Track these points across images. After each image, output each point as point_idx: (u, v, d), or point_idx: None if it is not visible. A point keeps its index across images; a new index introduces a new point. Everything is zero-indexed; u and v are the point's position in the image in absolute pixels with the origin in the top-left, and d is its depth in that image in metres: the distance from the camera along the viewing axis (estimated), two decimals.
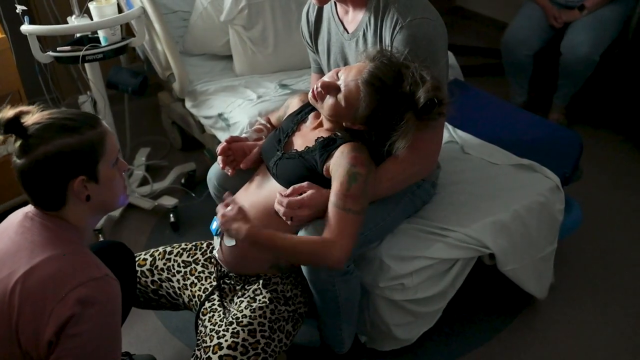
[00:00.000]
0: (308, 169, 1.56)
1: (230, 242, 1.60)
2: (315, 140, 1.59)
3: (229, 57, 2.80)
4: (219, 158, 1.73)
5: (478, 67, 3.77)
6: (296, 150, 1.63)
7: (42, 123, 1.21)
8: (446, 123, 2.17)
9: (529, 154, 2.02)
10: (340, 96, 1.49)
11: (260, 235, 1.45)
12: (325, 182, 1.55)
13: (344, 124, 1.55)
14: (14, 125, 1.19)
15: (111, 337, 1.24)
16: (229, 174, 1.73)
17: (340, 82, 1.50)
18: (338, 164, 1.49)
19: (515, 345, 1.95)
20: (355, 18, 1.62)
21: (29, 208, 1.30)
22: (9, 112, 1.20)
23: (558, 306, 2.09)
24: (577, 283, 2.19)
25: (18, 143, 1.20)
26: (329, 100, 1.52)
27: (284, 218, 1.53)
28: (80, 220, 1.29)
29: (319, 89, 1.52)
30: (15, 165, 1.21)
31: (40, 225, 1.26)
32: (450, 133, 2.17)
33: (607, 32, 2.86)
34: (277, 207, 1.53)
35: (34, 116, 1.23)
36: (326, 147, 1.55)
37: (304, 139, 1.64)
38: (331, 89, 1.51)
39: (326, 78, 1.54)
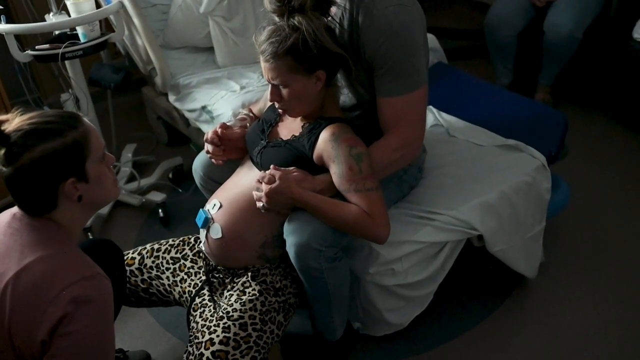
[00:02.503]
0: (295, 157, 1.56)
1: (216, 235, 1.60)
2: (302, 127, 1.59)
3: (211, 49, 2.78)
4: (209, 146, 1.71)
5: (462, 49, 3.77)
6: (282, 138, 1.63)
7: (24, 130, 1.19)
8: (431, 106, 2.17)
9: (514, 134, 2.02)
10: (278, 85, 1.49)
11: (306, 199, 1.50)
12: (313, 170, 1.55)
13: (319, 91, 1.54)
14: None
15: (104, 335, 1.23)
16: (217, 163, 1.72)
17: (272, 81, 1.51)
18: (335, 149, 1.48)
19: (507, 325, 1.96)
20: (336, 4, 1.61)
21: (16, 209, 1.28)
22: None
23: (549, 285, 2.10)
24: (567, 261, 2.20)
25: (1, 152, 1.19)
26: (286, 100, 1.52)
27: (260, 203, 1.52)
28: (70, 221, 1.28)
29: (277, 107, 1.57)
30: (2, 173, 1.20)
31: (28, 226, 1.25)
32: (435, 116, 2.17)
33: (589, 10, 2.86)
34: (254, 190, 1.53)
35: (13, 123, 1.21)
36: (312, 130, 1.55)
37: (288, 129, 1.64)
38: (276, 95, 1.52)
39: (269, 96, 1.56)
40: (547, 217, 1.98)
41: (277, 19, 1.46)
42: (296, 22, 1.42)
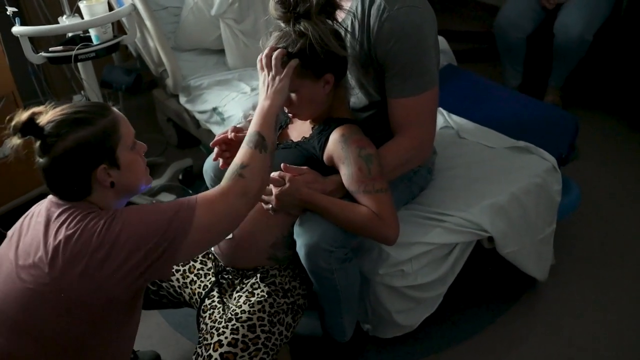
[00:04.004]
0: (305, 158, 1.57)
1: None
2: (312, 129, 1.59)
3: (222, 51, 2.80)
4: (216, 150, 1.72)
5: (471, 51, 3.76)
6: (292, 140, 1.63)
7: (56, 120, 1.24)
8: (441, 108, 2.17)
9: (524, 136, 2.02)
10: (288, 91, 1.49)
11: (316, 201, 1.51)
12: (324, 171, 1.56)
13: (327, 93, 1.54)
14: (29, 127, 1.23)
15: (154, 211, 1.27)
16: (221, 166, 1.73)
17: None
18: (344, 150, 1.49)
19: (518, 328, 1.96)
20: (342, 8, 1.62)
21: (53, 196, 1.32)
22: (23, 115, 1.23)
23: (559, 287, 2.09)
24: (578, 263, 2.19)
25: (37, 144, 1.24)
26: (295, 105, 1.53)
27: (269, 205, 1.53)
28: (106, 205, 1.32)
29: (287, 111, 1.57)
30: (39, 164, 1.25)
31: (66, 207, 1.28)
32: (445, 118, 2.17)
33: (599, 12, 2.85)
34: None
35: (47, 115, 1.26)
36: (322, 131, 1.55)
37: (298, 131, 1.65)
38: (286, 100, 1.51)
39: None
40: (558, 219, 1.98)
41: (283, 25, 1.47)
42: (302, 28, 1.43)
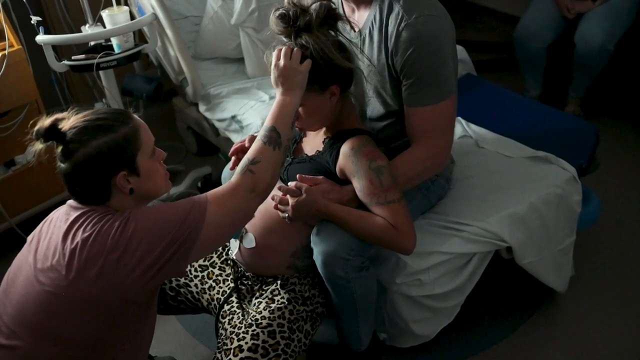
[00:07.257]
0: (320, 172, 1.57)
1: (249, 244, 1.61)
2: (323, 142, 1.60)
3: (241, 60, 2.82)
4: (233, 157, 1.73)
5: (491, 62, 3.75)
6: (306, 154, 1.64)
7: (78, 127, 1.26)
8: (459, 117, 2.17)
9: (544, 146, 2.01)
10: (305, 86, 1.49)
11: (332, 212, 1.51)
12: (340, 183, 1.56)
13: (334, 102, 1.53)
14: (52, 133, 1.25)
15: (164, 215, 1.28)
16: (230, 169, 1.74)
17: None
18: (355, 164, 1.49)
19: (536, 340, 1.94)
20: (361, 16, 1.62)
21: (71, 201, 1.34)
22: (46, 121, 1.26)
23: (579, 299, 2.07)
24: (597, 275, 2.17)
25: (59, 149, 1.26)
26: (303, 118, 1.53)
27: (285, 214, 1.54)
28: (124, 209, 1.33)
29: (295, 125, 1.55)
30: (60, 169, 1.28)
31: (83, 210, 1.30)
32: (463, 127, 2.16)
33: (621, 22, 2.83)
34: (277, 202, 1.54)
35: (69, 121, 1.29)
36: (333, 145, 1.55)
37: (312, 145, 1.65)
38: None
39: None
40: (577, 230, 1.96)
41: (285, 39, 1.48)
42: (304, 42, 1.43)
